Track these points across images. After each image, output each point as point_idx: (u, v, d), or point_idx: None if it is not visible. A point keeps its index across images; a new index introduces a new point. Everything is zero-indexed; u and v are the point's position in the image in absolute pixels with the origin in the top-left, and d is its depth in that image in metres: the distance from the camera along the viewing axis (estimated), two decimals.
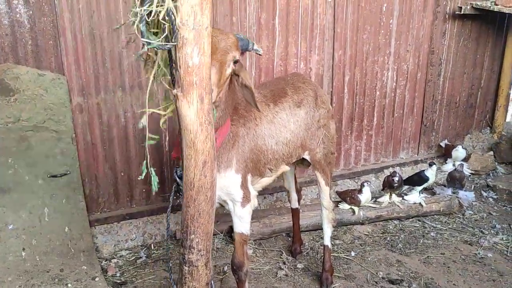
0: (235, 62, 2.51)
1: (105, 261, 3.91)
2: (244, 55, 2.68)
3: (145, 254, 4.02)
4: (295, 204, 4.06)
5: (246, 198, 2.95)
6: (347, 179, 5.26)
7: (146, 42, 1.83)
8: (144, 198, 4.27)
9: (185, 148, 2.02)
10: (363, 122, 5.23)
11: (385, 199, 4.75)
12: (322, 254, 3.76)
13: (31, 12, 3.48)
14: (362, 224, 4.58)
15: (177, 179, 2.64)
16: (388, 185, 4.72)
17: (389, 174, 4.83)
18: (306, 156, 3.49)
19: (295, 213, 4.08)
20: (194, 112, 1.93)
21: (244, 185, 2.92)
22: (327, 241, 3.70)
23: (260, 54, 2.73)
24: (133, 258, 3.97)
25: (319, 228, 4.43)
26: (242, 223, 2.99)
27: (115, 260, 3.92)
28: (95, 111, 3.87)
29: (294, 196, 4.03)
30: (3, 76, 3.43)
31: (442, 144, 5.70)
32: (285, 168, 3.35)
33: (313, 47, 4.67)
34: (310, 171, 5.04)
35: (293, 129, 3.27)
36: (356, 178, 5.30)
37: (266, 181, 3.26)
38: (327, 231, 3.70)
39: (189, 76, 1.88)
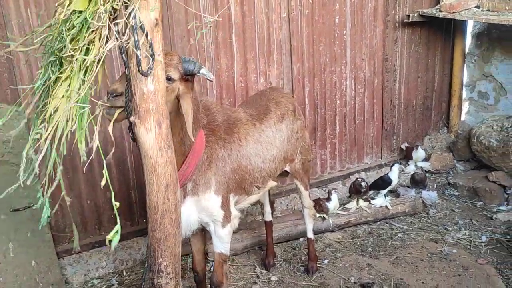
0: (168, 79, 2.27)
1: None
2: (193, 78, 2.54)
3: (117, 281, 3.97)
4: (268, 217, 4.11)
5: (226, 219, 2.97)
6: (314, 188, 5.34)
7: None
8: (112, 224, 4.20)
9: (146, 174, 2.04)
10: (326, 131, 5.36)
11: (352, 205, 4.87)
12: (307, 246, 4.04)
13: None
14: (332, 231, 4.67)
15: None
16: (355, 191, 4.84)
17: (355, 180, 4.96)
18: (287, 168, 3.59)
19: (268, 226, 4.13)
20: (153, 137, 1.96)
21: (224, 206, 2.94)
22: (310, 234, 3.98)
23: (211, 80, 2.64)
24: (105, 286, 3.91)
25: (290, 239, 4.50)
26: (222, 243, 3.01)
27: (113, 281, 3.85)
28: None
29: (267, 209, 4.09)
30: None
31: (403, 147, 5.91)
32: (271, 183, 3.43)
33: (271, 62, 4.77)
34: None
35: (278, 144, 3.35)
36: (324, 186, 5.41)
37: (253, 198, 3.33)
38: (309, 225, 3.96)
39: (145, 103, 1.91)
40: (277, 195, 5.07)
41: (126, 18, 1.79)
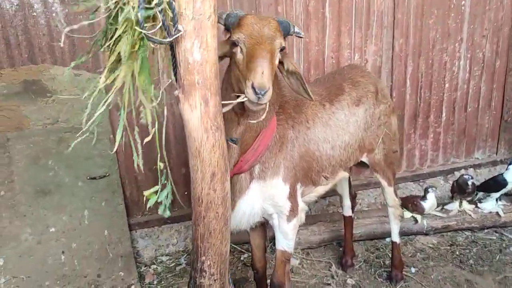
0: (281, 49, 2.15)
1: (145, 266, 3.79)
2: (286, 40, 2.28)
3: (185, 260, 3.84)
4: (348, 212, 3.66)
5: (293, 212, 2.59)
6: (409, 182, 4.72)
7: (150, 38, 1.55)
8: (186, 201, 4.08)
9: (190, 158, 1.75)
10: (429, 118, 4.66)
11: (454, 206, 4.17)
12: (391, 250, 3.53)
13: (67, 10, 3.40)
14: (426, 234, 4.05)
15: None
16: (459, 191, 4.14)
17: (459, 177, 4.23)
18: (364, 158, 3.10)
19: (348, 221, 3.68)
20: (198, 116, 1.65)
21: (292, 196, 2.57)
22: (395, 238, 3.48)
23: (301, 37, 2.35)
24: (173, 264, 3.81)
25: (375, 237, 4.00)
26: (286, 240, 2.65)
27: (155, 266, 3.78)
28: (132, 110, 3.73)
29: (347, 202, 3.64)
30: (40, 77, 3.39)
31: None
32: (343, 174, 2.99)
33: (369, 36, 4.19)
34: (368, 172, 4.61)
35: (352, 130, 2.88)
36: (421, 181, 4.75)
37: (321, 190, 2.90)
38: (395, 227, 3.47)
39: (190, 75, 1.60)
40: (364, 186, 4.56)
41: None
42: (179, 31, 1.56)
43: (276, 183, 2.48)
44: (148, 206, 1.86)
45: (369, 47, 4.23)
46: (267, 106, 2.05)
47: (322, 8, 3.98)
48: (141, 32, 1.55)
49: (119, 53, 1.69)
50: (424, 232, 4.03)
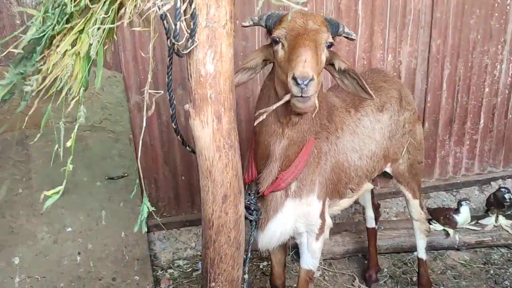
0: (329, 46, 1.96)
1: (161, 270, 3.70)
2: (335, 40, 2.08)
3: None
4: (371, 223, 3.46)
5: (322, 229, 2.44)
6: (442, 192, 4.46)
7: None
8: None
9: (201, 178, 1.60)
10: (466, 124, 4.37)
11: (490, 221, 3.91)
12: (417, 269, 3.34)
13: None
14: (457, 250, 3.80)
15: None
16: (496, 204, 3.87)
17: (497, 189, 3.95)
18: (388, 169, 2.89)
19: (371, 233, 3.49)
20: (209, 134, 1.50)
21: (323, 214, 2.41)
22: (421, 254, 3.28)
23: (353, 39, 2.15)
24: (189, 269, 3.70)
25: (402, 251, 3.77)
26: (313, 259, 2.50)
27: (171, 271, 3.68)
28: (154, 110, 3.62)
29: (370, 213, 3.44)
30: None
31: None
32: (368, 186, 2.81)
33: (404, 36, 3.94)
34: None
35: (378, 138, 2.69)
36: (454, 190, 4.48)
37: (345, 203, 2.72)
38: (421, 243, 3.26)
39: (202, 88, 1.45)
40: (393, 195, 4.33)
41: None
42: (195, 42, 1.41)
43: (312, 201, 2.32)
44: (45, 206, 1.66)
45: (403, 48, 3.97)
46: (316, 103, 1.85)
47: (354, 6, 3.75)
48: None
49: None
50: (456, 247, 3.78)
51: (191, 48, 1.41)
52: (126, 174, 3.59)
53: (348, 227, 3.94)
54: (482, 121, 4.41)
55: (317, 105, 1.85)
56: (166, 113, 3.65)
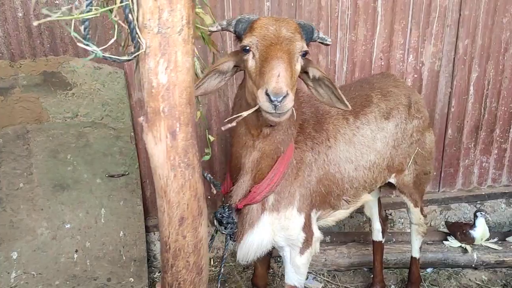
0: (304, 54, 1.82)
1: (159, 272, 3.61)
2: (309, 46, 1.96)
3: None
4: (377, 236, 3.25)
5: (307, 243, 2.29)
6: (464, 203, 4.15)
7: (92, 51, 1.28)
8: (208, 205, 3.84)
9: (157, 197, 1.46)
10: (495, 132, 4.03)
11: None
12: (409, 265, 3.28)
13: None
14: (475, 268, 3.52)
15: (214, 221, 2.16)
16: None
17: None
18: (392, 179, 2.70)
19: (377, 247, 3.28)
20: (163, 151, 1.34)
21: (306, 227, 2.26)
22: (415, 253, 3.21)
23: (328, 45, 2.01)
24: None
25: (403, 266, 3.53)
26: (297, 275, 2.35)
27: None
28: None
29: (377, 226, 3.23)
30: (60, 69, 3.24)
31: None
32: (367, 197, 2.61)
33: (428, 36, 3.64)
34: None
35: (380, 148, 2.49)
36: (478, 202, 4.16)
37: (342, 214, 2.56)
38: (415, 244, 3.17)
39: (154, 101, 1.29)
40: (401, 205, 4.06)
41: None
42: (142, 48, 1.25)
43: (291, 214, 2.17)
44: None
45: (426, 48, 3.67)
46: (293, 113, 1.73)
47: (373, 3, 3.48)
48: None
49: None
50: (473, 266, 3.50)
51: (135, 54, 1.26)
52: (127, 173, 3.51)
53: (356, 237, 3.72)
54: None
55: (294, 112, 1.72)
56: None
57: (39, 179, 3.38)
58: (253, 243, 2.16)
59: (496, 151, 4.11)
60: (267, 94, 1.54)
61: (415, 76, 3.73)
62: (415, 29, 3.60)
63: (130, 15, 1.24)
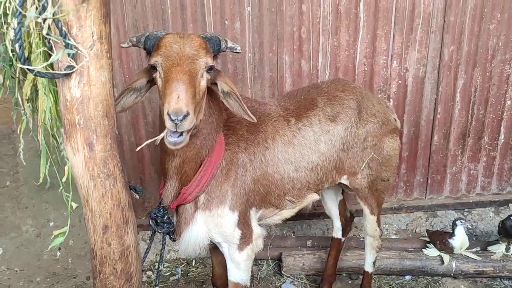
0: (210, 69, 1.92)
1: (141, 271, 3.67)
2: (217, 58, 2.10)
3: (182, 271, 3.67)
4: (337, 234, 3.31)
5: (245, 239, 2.37)
6: (451, 211, 4.11)
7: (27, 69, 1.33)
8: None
9: (82, 205, 1.52)
10: (483, 139, 3.98)
11: (499, 248, 3.53)
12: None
13: None
14: (454, 277, 3.48)
15: (150, 221, 2.30)
16: (504, 233, 3.49)
17: (507, 216, 3.55)
18: (344, 181, 2.75)
19: (334, 242, 3.32)
20: (82, 162, 1.41)
21: (242, 224, 2.35)
22: (367, 267, 3.16)
23: (238, 53, 2.11)
24: (168, 273, 3.66)
25: (391, 273, 3.55)
26: (239, 271, 2.42)
27: (150, 273, 3.65)
28: (139, 110, 3.59)
29: (337, 224, 3.29)
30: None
31: None
32: (313, 197, 2.67)
33: (411, 42, 3.62)
34: (400, 195, 4.08)
35: (324, 150, 2.54)
36: (465, 210, 4.12)
37: (287, 213, 2.65)
38: (369, 258, 3.12)
39: (70, 113, 1.35)
40: (394, 210, 4.05)
41: None
42: (72, 66, 1.30)
43: (223, 212, 2.28)
44: (52, 245, 1.67)
45: (411, 54, 3.65)
46: (203, 133, 1.95)
47: (355, 8, 3.48)
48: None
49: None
50: (452, 275, 3.47)
51: (75, 69, 1.31)
52: None
53: None
54: (502, 136, 3.99)
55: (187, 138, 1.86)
56: (152, 113, 3.59)
57: (25, 178, 3.49)
58: (190, 239, 2.30)
59: (484, 159, 4.06)
60: (168, 114, 1.68)
61: (400, 82, 3.71)
62: (398, 35, 3.58)
63: (63, 29, 1.28)
